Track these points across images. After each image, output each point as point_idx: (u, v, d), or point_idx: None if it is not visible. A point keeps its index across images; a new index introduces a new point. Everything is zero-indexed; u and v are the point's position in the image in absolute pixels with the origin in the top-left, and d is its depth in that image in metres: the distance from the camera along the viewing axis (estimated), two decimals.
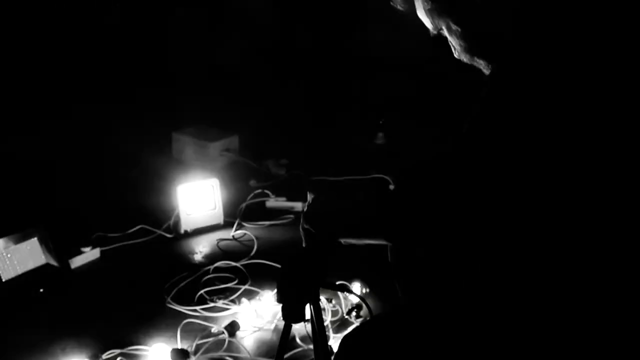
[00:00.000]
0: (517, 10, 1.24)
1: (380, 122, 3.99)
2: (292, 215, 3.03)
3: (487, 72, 1.35)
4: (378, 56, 5.12)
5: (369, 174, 3.38)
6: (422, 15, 1.37)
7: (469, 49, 1.33)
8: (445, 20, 1.32)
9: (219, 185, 2.91)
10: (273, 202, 3.13)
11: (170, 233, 2.83)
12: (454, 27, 1.32)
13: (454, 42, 1.35)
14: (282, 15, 5.83)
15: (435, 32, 1.37)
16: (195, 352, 2.07)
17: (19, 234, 2.41)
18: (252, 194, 3.17)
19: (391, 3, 1.39)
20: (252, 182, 3.35)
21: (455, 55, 1.38)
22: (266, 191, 3.20)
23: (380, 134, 4.01)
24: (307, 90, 4.78)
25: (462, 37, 1.32)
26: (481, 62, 1.34)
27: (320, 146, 3.94)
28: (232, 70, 5.37)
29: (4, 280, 2.33)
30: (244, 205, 3.08)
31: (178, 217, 2.84)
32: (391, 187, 3.21)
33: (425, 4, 1.33)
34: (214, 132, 3.69)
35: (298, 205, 3.08)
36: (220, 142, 3.60)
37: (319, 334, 1.42)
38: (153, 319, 2.26)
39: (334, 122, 4.45)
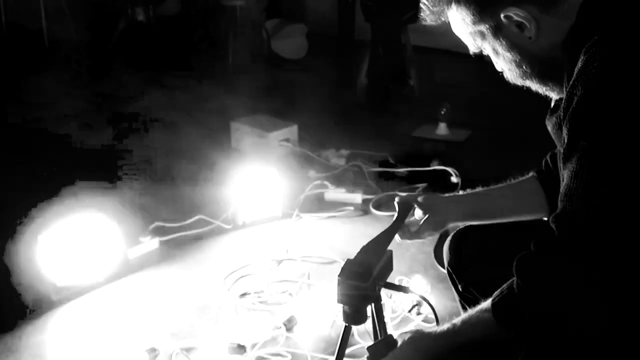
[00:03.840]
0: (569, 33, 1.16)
1: (442, 112, 3.88)
2: (351, 207, 2.97)
3: (542, 91, 1.27)
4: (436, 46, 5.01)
5: (430, 165, 3.29)
6: (462, 35, 1.27)
7: (520, 75, 1.25)
8: (491, 45, 1.23)
9: (277, 175, 2.88)
10: (332, 193, 3.08)
11: (228, 224, 2.80)
12: (501, 52, 1.23)
13: (502, 67, 1.27)
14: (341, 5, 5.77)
15: (476, 52, 1.29)
16: (252, 347, 2.03)
17: None
18: (310, 185, 3.12)
19: (419, 17, 1.28)
20: (311, 173, 3.29)
21: (503, 74, 1.30)
22: (325, 182, 3.14)
23: (442, 124, 3.90)
24: (368, 80, 4.69)
25: (512, 62, 1.23)
26: (534, 84, 1.26)
27: (380, 136, 3.86)
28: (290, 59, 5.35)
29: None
30: (302, 196, 3.02)
31: (236, 208, 2.81)
32: (453, 179, 3.12)
33: (467, 26, 1.23)
34: (272, 122, 3.65)
35: (357, 198, 3.01)
36: (279, 132, 3.55)
37: (380, 334, 1.36)
38: (211, 311, 2.23)
39: (394, 112, 4.37)
